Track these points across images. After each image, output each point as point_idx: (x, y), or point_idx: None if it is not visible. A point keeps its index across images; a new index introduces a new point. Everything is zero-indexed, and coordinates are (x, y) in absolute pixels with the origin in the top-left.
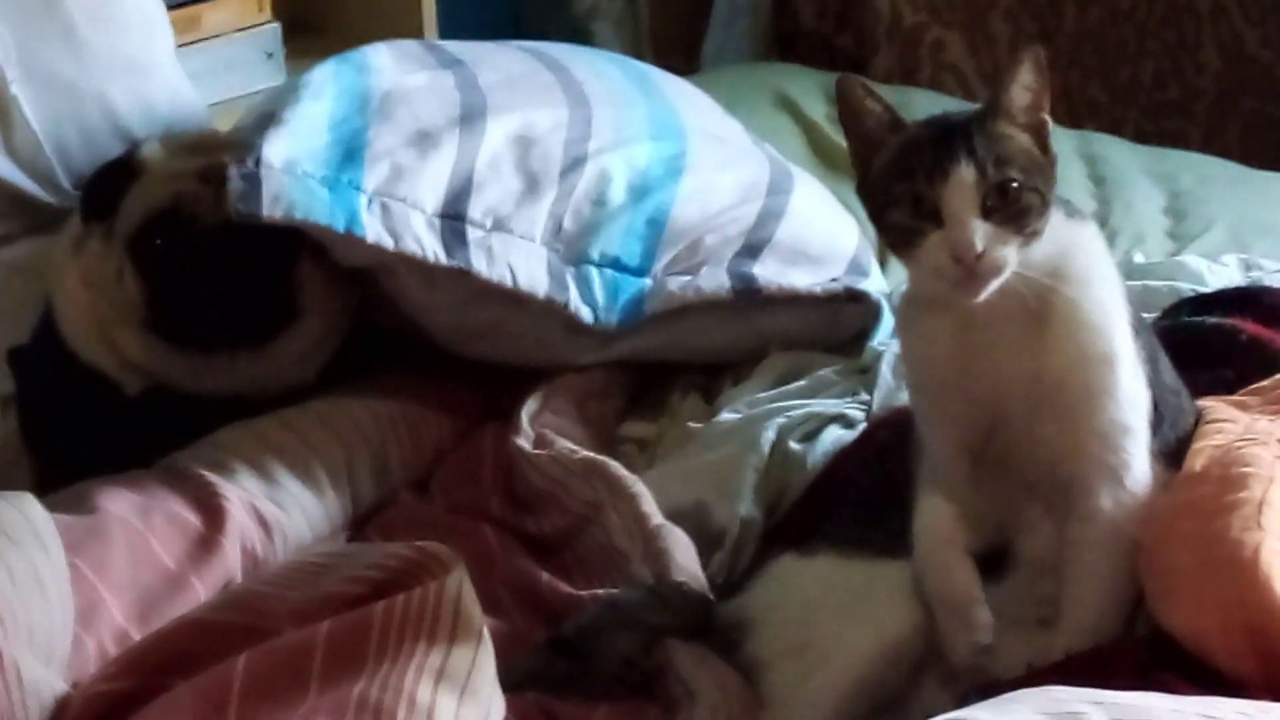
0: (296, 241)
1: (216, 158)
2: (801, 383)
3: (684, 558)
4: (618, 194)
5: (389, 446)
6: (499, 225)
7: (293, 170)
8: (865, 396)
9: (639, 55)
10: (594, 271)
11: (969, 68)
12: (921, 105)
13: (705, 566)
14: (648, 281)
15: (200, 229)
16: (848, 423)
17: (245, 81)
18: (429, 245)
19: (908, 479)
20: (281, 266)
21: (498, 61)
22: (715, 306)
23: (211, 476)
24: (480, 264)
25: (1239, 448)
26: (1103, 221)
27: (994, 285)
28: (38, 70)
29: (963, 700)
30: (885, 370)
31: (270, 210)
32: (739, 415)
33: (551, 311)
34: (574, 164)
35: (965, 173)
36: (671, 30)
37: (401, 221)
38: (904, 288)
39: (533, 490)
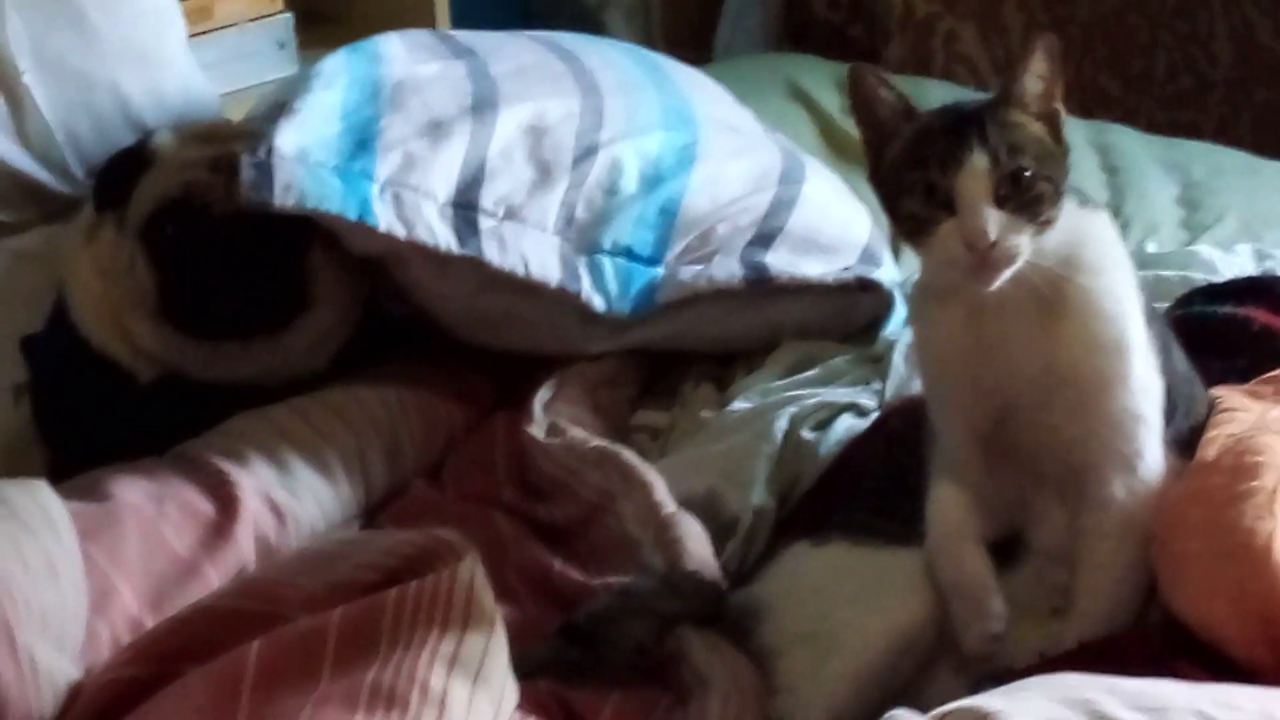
0: (308, 230)
1: (228, 147)
2: (814, 371)
3: (696, 546)
4: (630, 183)
5: (401, 434)
6: (511, 214)
7: (304, 159)
8: (878, 385)
9: (650, 46)
10: (606, 260)
11: (982, 58)
12: (934, 95)
13: (718, 555)
14: (660, 270)
15: (212, 218)
16: (860, 411)
17: (257, 71)
18: (441, 234)
19: (920, 467)
20: (293, 255)
21: (509, 51)
22: (727, 296)
23: (224, 464)
24: (492, 253)
25: (1252, 437)
26: (1116, 211)
27: (1007, 274)
28: (50, 60)
29: (976, 688)
30: (898, 359)
31: (282, 199)
32: (751, 404)
33: (564, 300)
34: (586, 153)
35: (978, 161)
36: (683, 20)
37: (413, 210)
38: (916, 277)
39: (545, 478)
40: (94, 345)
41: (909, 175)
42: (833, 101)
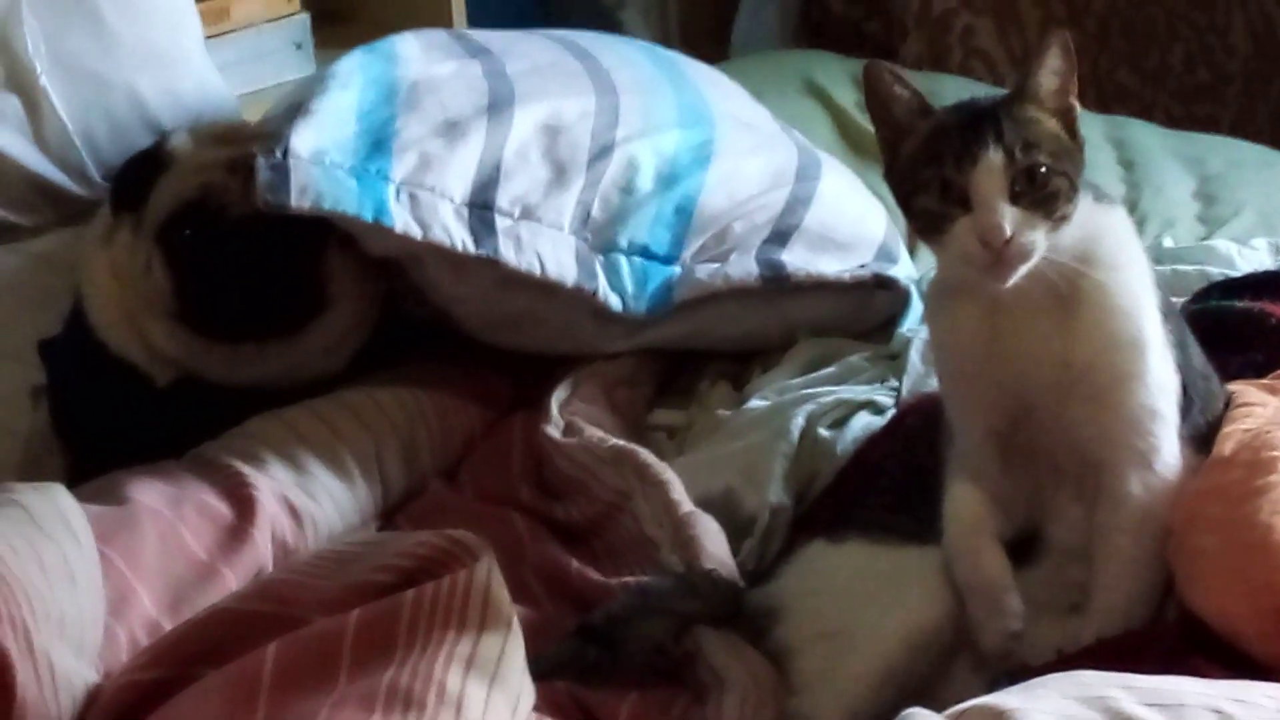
0: (325, 232)
1: (245, 148)
2: (830, 369)
3: (714, 545)
4: (646, 182)
5: (418, 435)
6: (527, 214)
7: (320, 160)
8: (894, 383)
9: (667, 44)
10: (622, 259)
11: (998, 53)
12: (951, 91)
13: (735, 553)
14: (676, 269)
15: (229, 220)
16: (877, 409)
17: (274, 72)
18: (457, 234)
19: (937, 465)
20: (310, 257)
21: (525, 50)
22: (744, 294)
23: (242, 466)
24: (508, 253)
25: (1268, 432)
26: (1133, 206)
27: (1023, 270)
28: (67, 62)
29: (993, 685)
30: (914, 356)
31: (298, 201)
32: (768, 402)
33: (580, 300)
34: (602, 152)
35: (994, 157)
36: (700, 18)
37: (429, 211)
38: (933, 274)
39: (562, 478)
40: (111, 348)
41: (924, 172)
42: (849, 98)
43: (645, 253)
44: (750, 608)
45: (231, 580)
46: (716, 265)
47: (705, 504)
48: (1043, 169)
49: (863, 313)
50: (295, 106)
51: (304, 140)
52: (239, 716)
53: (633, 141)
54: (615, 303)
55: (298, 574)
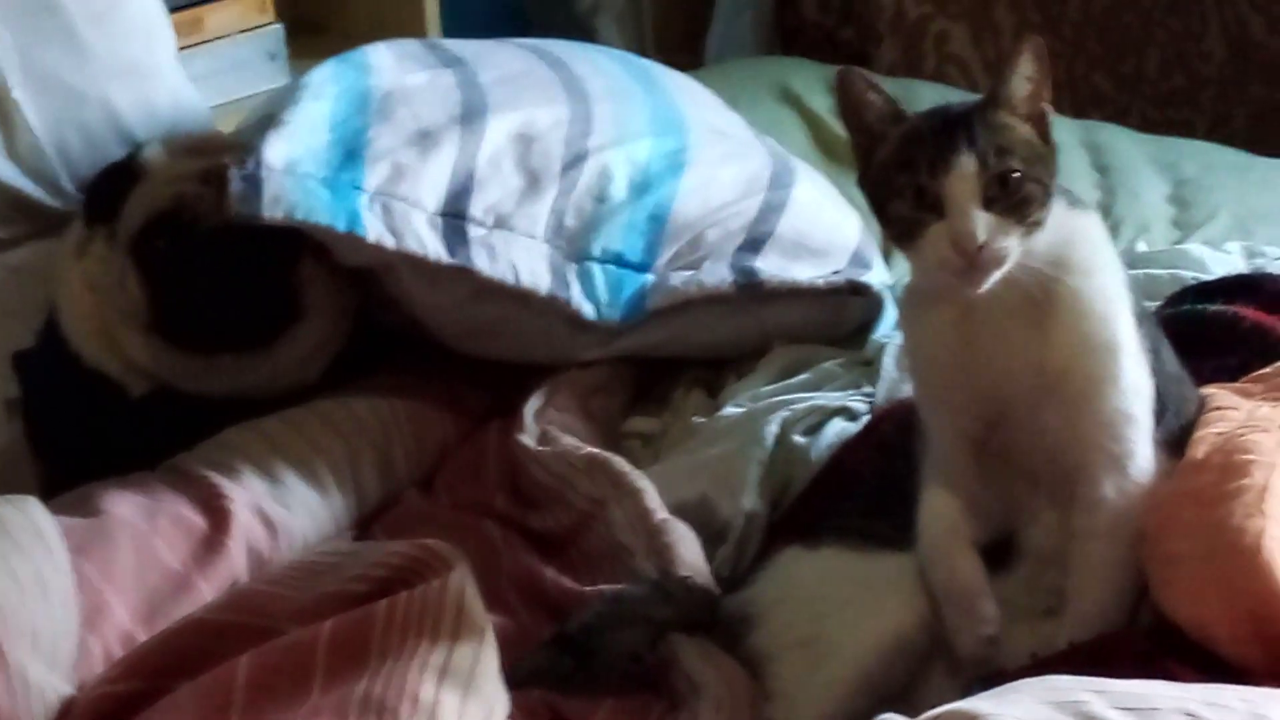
0: (298, 242)
1: (218, 159)
2: (805, 376)
3: (689, 552)
4: (619, 190)
5: (393, 445)
6: (500, 223)
7: (293, 171)
8: (869, 389)
9: (642, 52)
10: (596, 268)
11: (973, 59)
12: (925, 97)
13: (710, 560)
14: (650, 277)
15: (202, 230)
16: (851, 415)
17: (248, 83)
18: (430, 244)
19: (912, 471)
20: (283, 267)
21: (498, 59)
22: (718, 301)
23: (216, 477)
24: (482, 262)
25: (1241, 435)
26: (1107, 210)
27: (996, 276)
28: (39, 74)
29: (968, 690)
30: (888, 362)
31: (271, 211)
32: (742, 409)
33: (554, 308)
34: (575, 160)
35: (966, 163)
36: (674, 26)
37: (403, 221)
38: (907, 280)
39: (537, 486)
40: (85, 360)
41: (897, 178)
42: (823, 104)
43: (619, 261)
44: (725, 614)
45: (206, 591)
46: (690, 273)
47: (680, 511)
48: (1015, 175)
49: (837, 319)
50: (268, 117)
51: (277, 151)
52: None
53: (606, 150)
54: (589, 311)
55: (271, 584)
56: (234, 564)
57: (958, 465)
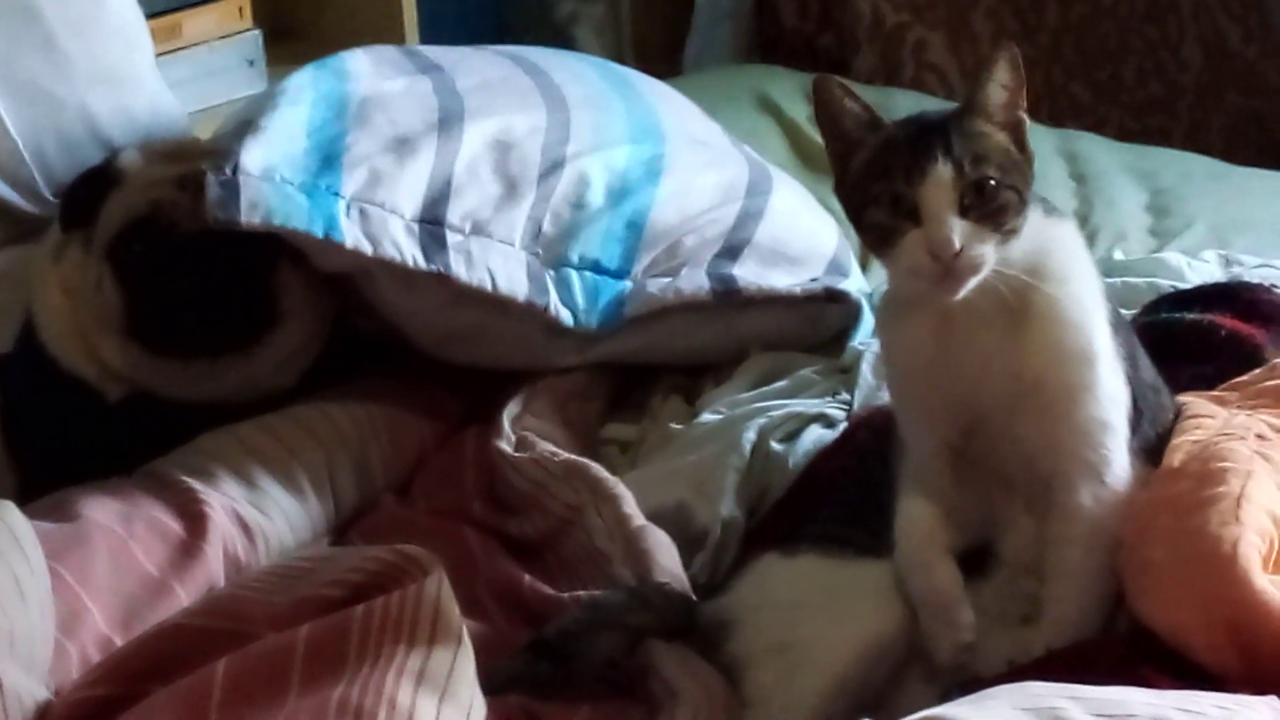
0: (275, 248)
1: (195, 165)
2: (782, 383)
3: (666, 559)
4: (596, 197)
5: (370, 450)
6: (478, 229)
7: (270, 177)
8: (846, 396)
9: (621, 60)
10: (574, 274)
11: (951, 67)
12: (904, 105)
13: (687, 567)
14: (628, 284)
15: (179, 236)
16: (829, 422)
17: (226, 89)
18: (408, 250)
19: (889, 478)
20: (261, 273)
21: (476, 66)
22: (695, 308)
23: (193, 482)
24: (459, 268)
25: (1217, 443)
26: (1084, 219)
27: (972, 283)
28: (17, 80)
29: (944, 697)
30: (866, 370)
31: (248, 217)
32: (720, 416)
33: (531, 315)
34: (552, 167)
35: (942, 171)
36: (653, 34)
37: (380, 227)
38: (884, 287)
39: (514, 493)
40: (62, 365)
41: (874, 185)
42: (801, 112)
43: (596, 267)
44: (703, 621)
45: (183, 596)
46: (668, 280)
47: (657, 517)
48: (991, 182)
49: (814, 326)
50: (246, 123)
51: (254, 156)
52: None
53: (584, 157)
54: (567, 317)
55: (248, 589)
56: (211, 569)
57: (934, 472)
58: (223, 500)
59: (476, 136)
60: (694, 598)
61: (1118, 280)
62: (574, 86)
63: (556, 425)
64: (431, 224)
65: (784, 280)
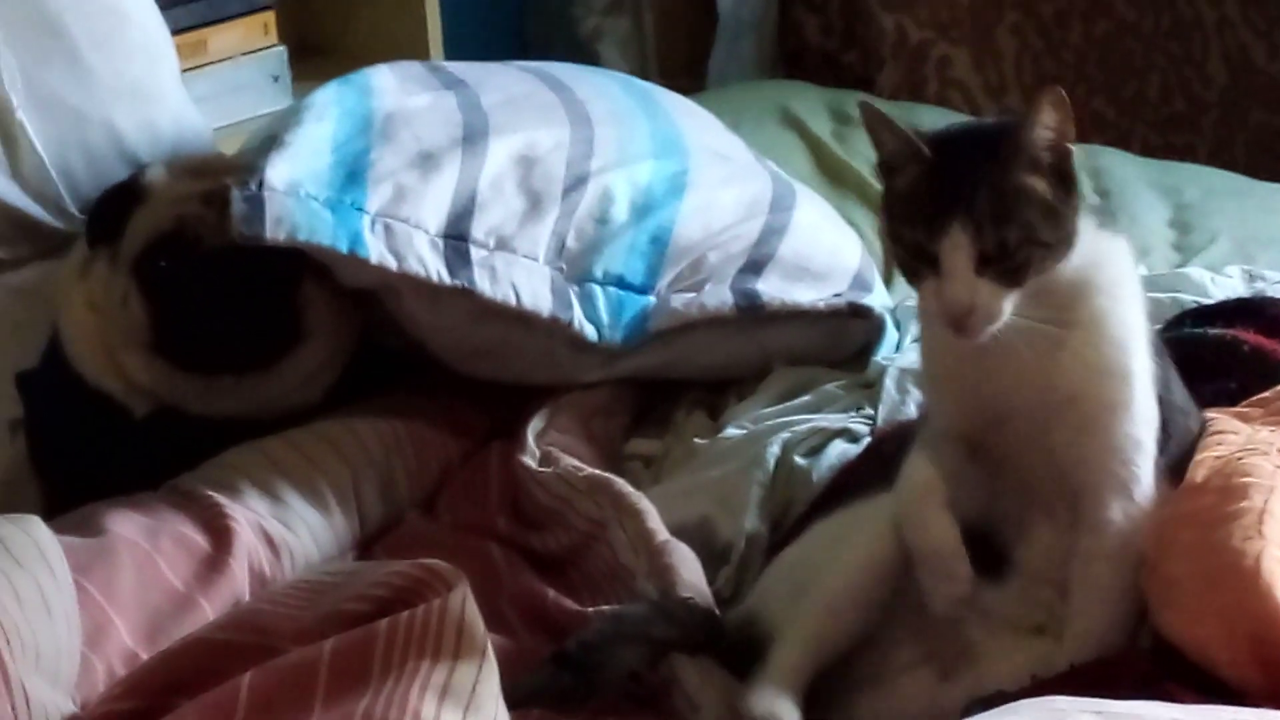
0: (300, 263)
1: (220, 181)
2: (806, 398)
3: (690, 573)
4: (620, 212)
5: (395, 466)
6: (502, 245)
7: (295, 192)
8: (870, 411)
9: (644, 75)
10: (598, 290)
11: (975, 83)
12: (928, 121)
13: (711, 582)
14: (651, 299)
15: (204, 251)
16: (853, 437)
17: (252, 105)
18: (432, 265)
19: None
20: (286, 288)
21: (500, 82)
22: (719, 323)
23: (219, 497)
24: (484, 284)
25: (1240, 458)
26: None
27: (991, 330)
28: (43, 96)
29: (965, 712)
30: (890, 385)
31: (273, 232)
32: (744, 431)
33: (555, 330)
34: (576, 183)
35: (960, 232)
36: (677, 50)
37: (405, 242)
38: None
39: (539, 508)
40: (88, 380)
41: (900, 228)
42: (825, 128)
43: (620, 283)
44: (732, 629)
45: (208, 611)
46: (692, 295)
47: (681, 532)
48: (1011, 244)
49: (838, 341)
50: (270, 139)
51: (279, 172)
52: None
53: (607, 172)
54: (591, 333)
55: (273, 604)
56: (236, 584)
57: (948, 449)
58: (248, 515)
59: (501, 152)
60: (717, 612)
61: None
62: (598, 102)
63: (580, 440)
64: (456, 239)
65: (807, 295)
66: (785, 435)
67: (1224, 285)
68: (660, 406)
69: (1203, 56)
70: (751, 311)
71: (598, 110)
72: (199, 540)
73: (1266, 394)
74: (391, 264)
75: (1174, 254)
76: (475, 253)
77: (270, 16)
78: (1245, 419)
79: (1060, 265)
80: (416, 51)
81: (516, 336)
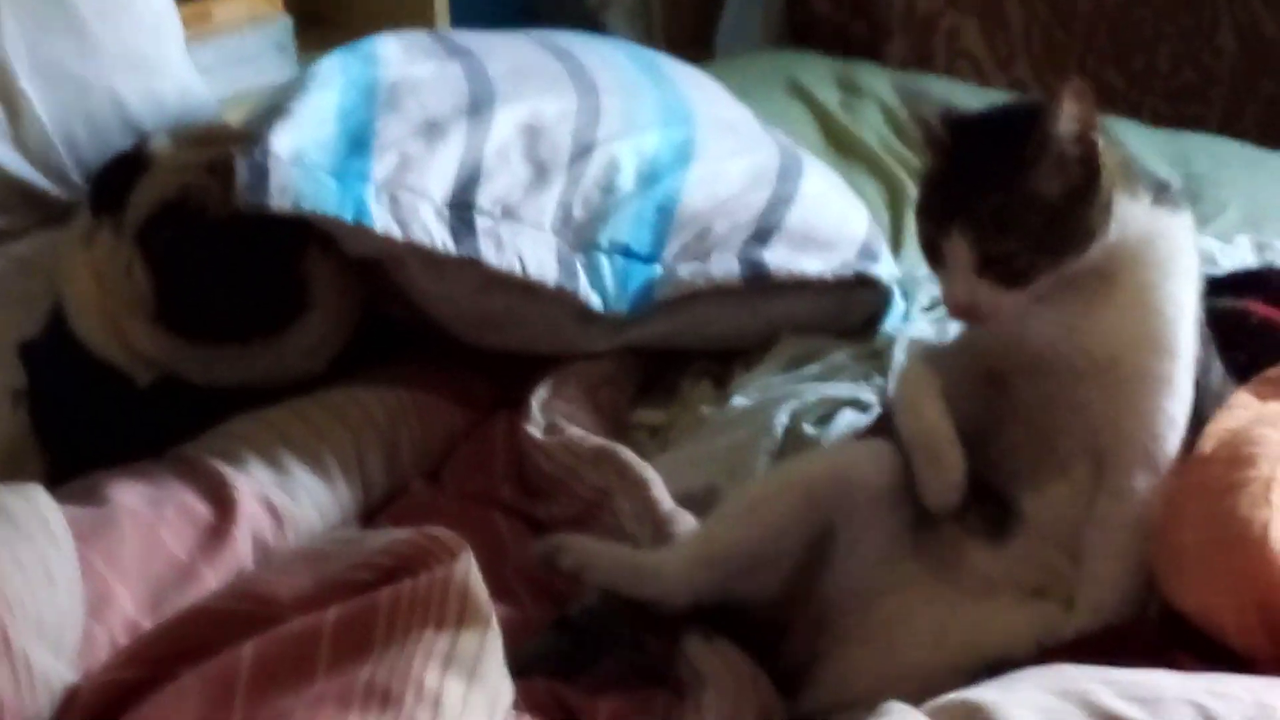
0: (305, 233)
1: (224, 150)
2: (814, 367)
3: None
4: (627, 181)
5: (400, 435)
6: (508, 214)
7: (300, 161)
8: (879, 380)
9: (651, 45)
10: (604, 259)
11: (984, 54)
12: (937, 92)
13: None
14: (658, 268)
15: (209, 221)
16: (862, 407)
17: (257, 75)
18: (437, 235)
19: None
20: (290, 258)
21: (506, 51)
22: (726, 293)
23: (222, 467)
24: (489, 253)
25: (1247, 429)
26: None
27: (1000, 317)
28: (47, 65)
29: (972, 680)
30: (899, 354)
31: (278, 201)
32: (751, 400)
33: (561, 300)
34: (582, 152)
35: (960, 239)
36: (684, 19)
37: (410, 211)
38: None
39: (543, 477)
40: (92, 349)
41: (918, 214)
42: (833, 98)
43: (626, 252)
44: None
45: (212, 580)
46: (698, 264)
47: (687, 501)
48: (1010, 253)
49: (845, 311)
50: (275, 108)
51: (283, 140)
52: (216, 715)
53: (614, 141)
54: (597, 302)
55: (275, 573)
56: (239, 553)
57: (955, 379)
58: (251, 485)
59: (506, 121)
60: None
61: None
62: (604, 71)
63: (586, 410)
64: (461, 208)
65: (814, 265)
66: (794, 404)
67: (1233, 256)
68: (666, 376)
69: (1213, 28)
70: (758, 281)
71: (604, 79)
72: (202, 510)
73: (1276, 370)
74: (397, 233)
75: None
76: (481, 222)
77: None
78: (1260, 397)
79: (1082, 257)
80: (422, 21)
81: (522, 306)
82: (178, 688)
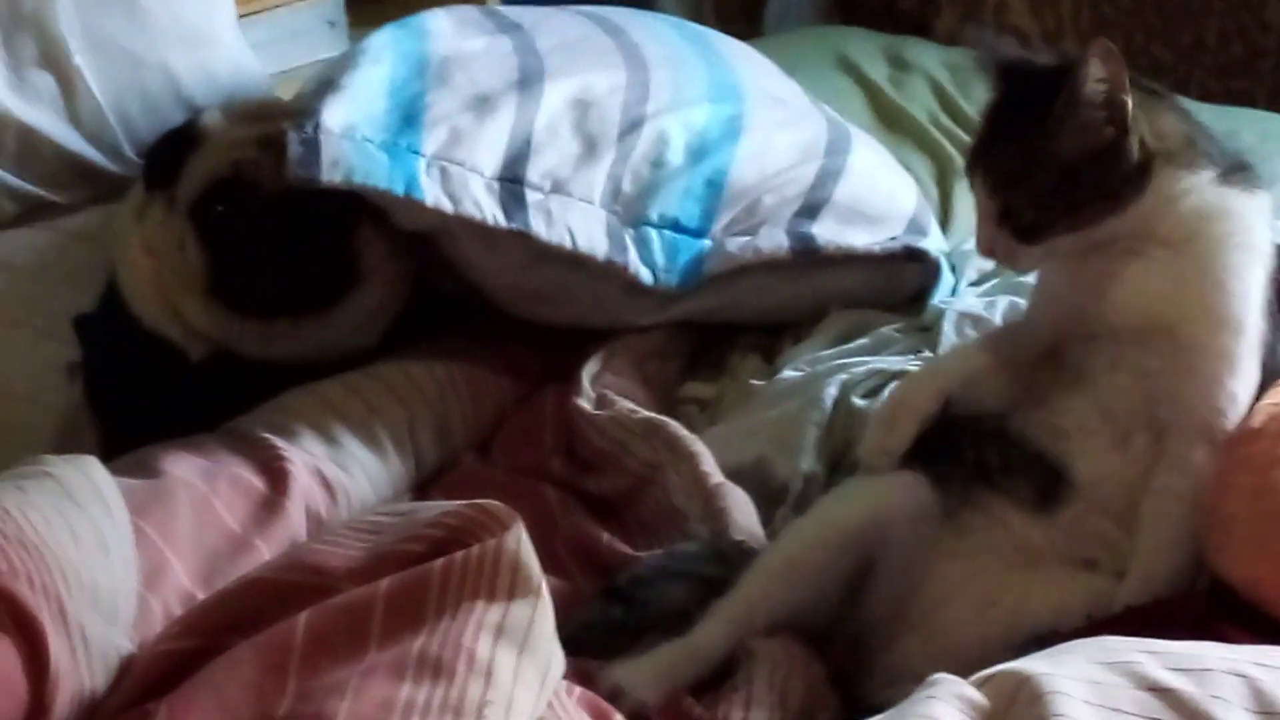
0: (357, 207)
1: (276, 125)
2: (863, 340)
3: (743, 516)
4: (676, 155)
5: (450, 409)
6: (558, 188)
7: (351, 135)
8: (928, 354)
9: (701, 21)
10: (653, 233)
11: (1032, 28)
12: None
13: (767, 523)
14: (707, 242)
15: (261, 195)
16: None
17: (308, 50)
18: (488, 208)
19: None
20: (342, 232)
21: (555, 26)
22: (774, 267)
23: (275, 440)
24: (539, 226)
25: None
26: None
27: (1029, 260)
28: (100, 40)
29: (1020, 652)
30: (948, 328)
31: (329, 175)
32: (801, 372)
33: (611, 273)
34: (632, 126)
35: (983, 185)
36: None
37: (460, 185)
38: (965, 245)
39: (593, 451)
40: (145, 324)
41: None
42: (881, 73)
43: (676, 226)
44: None
45: (264, 552)
46: (747, 238)
47: (736, 474)
48: (1019, 207)
49: (893, 285)
50: (326, 82)
51: (335, 115)
52: (270, 685)
53: (663, 115)
54: (646, 276)
55: (328, 544)
56: (292, 525)
57: (1016, 350)
58: (304, 457)
59: (556, 95)
60: None
61: None
62: (653, 46)
63: (635, 383)
64: (511, 182)
65: (863, 239)
66: (843, 376)
67: (1278, 229)
68: (715, 350)
69: (1260, 2)
70: (807, 255)
71: (653, 54)
72: (255, 482)
73: None
74: (448, 207)
75: None
76: (531, 196)
77: None
78: None
79: (1108, 222)
80: None
81: (572, 280)
82: (231, 657)
